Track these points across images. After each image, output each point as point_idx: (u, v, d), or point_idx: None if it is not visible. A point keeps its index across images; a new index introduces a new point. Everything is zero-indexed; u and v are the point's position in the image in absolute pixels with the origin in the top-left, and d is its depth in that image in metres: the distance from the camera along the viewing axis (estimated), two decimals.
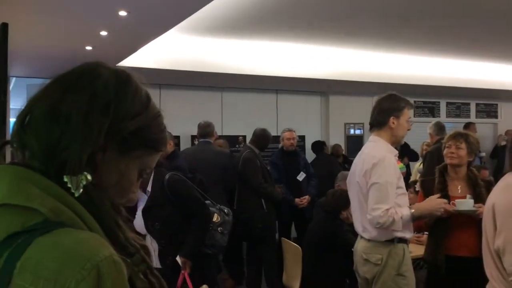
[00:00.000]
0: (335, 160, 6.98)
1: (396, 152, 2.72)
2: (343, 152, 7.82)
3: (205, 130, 4.73)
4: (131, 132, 0.80)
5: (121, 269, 0.69)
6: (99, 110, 0.76)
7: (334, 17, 5.14)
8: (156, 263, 2.95)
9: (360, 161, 2.70)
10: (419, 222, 2.84)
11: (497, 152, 8.35)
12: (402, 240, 2.63)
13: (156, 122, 0.85)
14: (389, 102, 2.71)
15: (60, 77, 0.81)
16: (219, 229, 3.08)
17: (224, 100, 7.55)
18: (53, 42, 4.57)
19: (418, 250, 3.52)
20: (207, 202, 3.10)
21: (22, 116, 0.77)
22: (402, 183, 2.67)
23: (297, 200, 5.10)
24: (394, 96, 2.74)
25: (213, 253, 3.11)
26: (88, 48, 4.74)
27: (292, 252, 3.91)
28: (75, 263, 0.64)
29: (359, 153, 2.79)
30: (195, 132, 5.11)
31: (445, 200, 2.79)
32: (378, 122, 2.71)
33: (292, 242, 4.09)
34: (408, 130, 2.79)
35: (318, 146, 7.08)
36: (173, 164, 3.65)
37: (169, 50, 5.69)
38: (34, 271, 0.63)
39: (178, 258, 2.89)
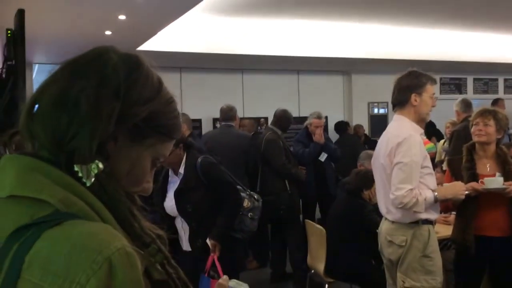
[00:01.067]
0: (358, 141, 6.90)
1: (422, 131, 2.64)
2: (365, 132, 7.71)
3: (228, 114, 4.72)
4: (143, 119, 0.76)
5: (134, 261, 0.66)
6: (109, 96, 0.73)
7: None
8: (186, 246, 2.98)
9: (384, 141, 2.63)
10: (446, 203, 2.77)
11: None
12: (428, 222, 2.56)
13: (169, 108, 0.82)
14: (409, 79, 2.62)
15: (68, 63, 0.78)
16: (249, 214, 3.10)
17: (245, 82, 7.51)
18: (71, 28, 4.58)
19: (445, 231, 3.44)
20: (238, 187, 3.11)
21: (30, 105, 0.75)
22: (428, 163, 2.59)
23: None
24: (415, 72, 2.65)
25: (242, 238, 3.13)
26: (108, 33, 4.75)
27: (316, 234, 3.89)
28: (85, 257, 0.62)
29: (384, 133, 2.72)
30: (216, 115, 5.10)
31: (472, 185, 2.71)
32: (400, 100, 2.64)
33: (316, 224, 4.07)
34: (433, 106, 2.69)
35: (342, 126, 7.00)
36: (195, 148, 3.63)
37: (188, 32, 5.67)
38: (43, 266, 0.61)
39: (208, 241, 2.90)
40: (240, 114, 6.09)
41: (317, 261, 3.84)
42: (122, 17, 4.22)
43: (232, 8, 5.36)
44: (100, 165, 0.71)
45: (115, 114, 0.73)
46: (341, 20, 6.22)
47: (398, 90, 2.65)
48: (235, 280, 0.98)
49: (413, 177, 2.46)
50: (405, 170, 2.45)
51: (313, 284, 4.06)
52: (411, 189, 2.43)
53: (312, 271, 4.01)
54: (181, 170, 2.92)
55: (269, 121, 5.64)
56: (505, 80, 9.19)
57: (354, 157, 5.22)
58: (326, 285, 3.77)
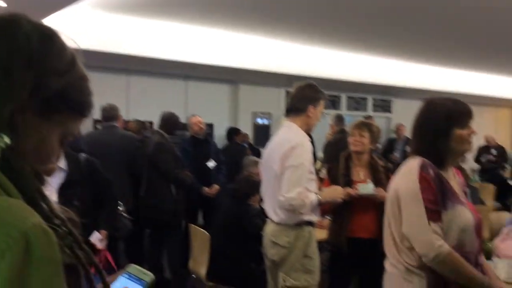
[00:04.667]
0: (244, 148, 7.07)
1: (309, 138, 2.81)
2: (249, 140, 7.94)
3: (110, 113, 4.49)
4: (56, 92, 0.72)
5: (52, 239, 0.62)
6: (21, 64, 0.68)
7: (245, 4, 5.16)
8: None
9: (276, 145, 2.75)
10: (324, 206, 2.96)
11: (391, 144, 9.01)
12: (309, 223, 2.73)
13: (83, 84, 0.79)
14: (310, 91, 2.80)
15: None
16: (123, 213, 3.24)
17: (131, 84, 7.28)
18: None
19: (320, 234, 3.68)
20: None
21: None
22: (313, 169, 2.76)
23: (205, 189, 5.07)
24: (314, 86, 2.84)
25: (119, 236, 3.09)
26: None
27: (200, 238, 3.89)
28: None
29: (274, 138, 2.84)
30: (97, 116, 4.83)
31: (347, 190, 2.97)
32: (297, 108, 2.78)
33: (200, 228, 4.07)
34: (318, 121, 2.89)
35: (233, 133, 7.11)
36: (74, 148, 3.44)
37: (72, 26, 5.33)
38: None
39: (93, 238, 2.83)
40: (124, 117, 5.87)
41: (200, 265, 3.84)
42: (2, 4, 3.89)
43: (119, 6, 5.18)
44: (6, 139, 0.65)
45: (27, 84, 0.68)
46: (231, 30, 6.36)
47: (298, 99, 2.79)
48: (139, 268, 0.95)
49: (302, 181, 2.60)
50: (296, 173, 2.58)
51: None
52: (301, 192, 2.57)
53: (193, 275, 4.00)
54: (61, 164, 2.79)
55: (154, 126, 5.54)
56: (374, 99, 10.14)
57: (240, 163, 5.35)
58: None
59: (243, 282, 3.61)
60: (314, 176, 2.76)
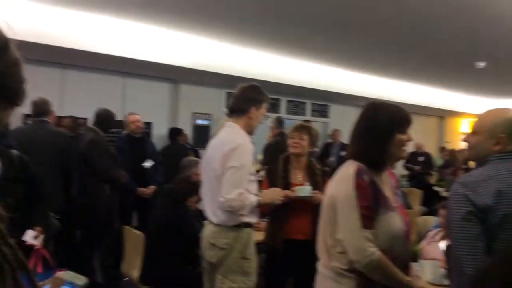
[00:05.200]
0: (187, 149, 6.97)
1: (250, 139, 2.80)
2: (188, 141, 7.84)
3: (41, 107, 4.26)
4: None
5: None
6: None
7: (188, 3, 5.10)
8: None
9: (217, 146, 2.72)
10: (262, 208, 2.97)
11: (327, 149, 9.25)
12: (248, 225, 2.73)
13: (15, 69, 0.73)
14: (254, 93, 2.80)
15: None
16: (50, 213, 3.15)
17: (66, 78, 6.95)
18: None
19: (256, 236, 3.70)
20: None
21: None
22: (253, 171, 2.77)
23: (141, 189, 4.96)
24: (258, 88, 2.84)
25: (49, 237, 2.98)
26: None
27: (134, 240, 3.78)
28: None
29: (216, 138, 2.81)
30: (27, 110, 4.57)
31: (286, 192, 3.01)
32: (240, 109, 2.77)
33: (134, 230, 3.96)
34: (260, 123, 2.90)
35: (176, 133, 6.99)
36: (3, 143, 3.24)
37: (5, 15, 5.01)
38: None
39: (27, 236, 2.72)
40: (58, 112, 5.60)
41: (133, 268, 3.73)
42: None
43: None
44: None
45: None
46: (172, 28, 6.26)
47: (241, 99, 2.78)
48: (71, 273, 0.90)
49: (243, 182, 2.59)
50: (237, 175, 2.57)
51: None
52: (240, 193, 2.55)
53: (126, 278, 3.88)
54: None
55: (89, 123, 5.33)
56: (312, 104, 10.38)
57: (179, 164, 5.26)
58: None
59: (178, 285, 3.55)
60: (254, 178, 2.76)
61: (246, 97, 2.78)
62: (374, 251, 1.82)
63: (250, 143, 2.70)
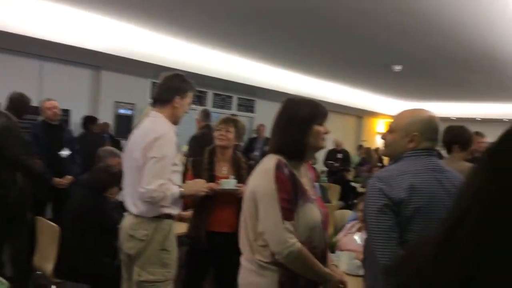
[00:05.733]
0: (102, 138, 6.71)
1: (176, 129, 2.75)
2: (110, 131, 7.56)
3: None
4: None
5: None
6: None
7: None
8: None
9: (140, 135, 2.64)
10: (186, 200, 2.94)
11: (251, 143, 9.36)
12: (169, 216, 2.68)
13: None
14: (178, 82, 2.73)
15: None
16: None
17: None
18: None
19: (179, 228, 3.66)
20: None
21: None
22: (178, 161, 2.72)
23: (57, 179, 4.70)
24: (182, 76, 2.78)
25: None
26: None
27: (48, 232, 3.58)
28: None
29: (139, 127, 2.72)
30: None
31: (210, 185, 3.00)
32: (164, 98, 2.70)
33: (49, 221, 3.75)
34: (186, 113, 2.85)
35: (89, 121, 6.69)
36: None
37: None
38: None
39: None
40: None
41: (46, 261, 3.54)
42: None
43: None
44: None
45: None
46: (95, 11, 5.98)
47: (165, 88, 2.71)
48: None
49: (165, 173, 2.53)
50: (158, 165, 2.51)
51: (38, 286, 3.72)
52: (162, 184, 2.50)
53: (38, 272, 3.67)
54: None
55: (1, 107, 4.95)
56: (239, 98, 10.43)
57: (95, 154, 5.05)
58: (53, 287, 3.50)
59: (94, 278, 3.41)
60: (178, 168, 2.72)
61: (170, 86, 2.72)
62: (294, 242, 1.87)
63: (173, 133, 2.65)
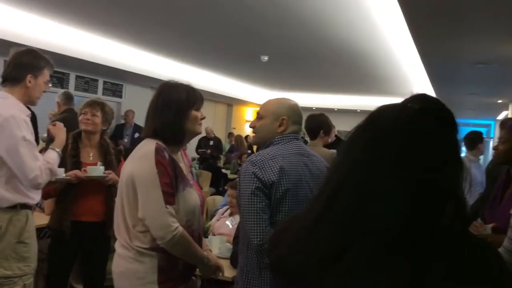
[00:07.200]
0: None
1: (29, 112, 2.50)
2: None
3: None
4: None
5: None
6: None
7: None
8: None
9: None
10: (47, 188, 2.71)
11: (120, 130, 8.98)
12: (26, 206, 2.45)
13: None
14: (29, 58, 2.47)
15: None
16: None
17: None
18: None
19: (41, 220, 3.39)
20: None
21: None
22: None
23: None
24: (35, 52, 2.53)
25: None
26: None
27: None
28: None
29: None
30: None
31: (75, 172, 2.85)
32: (14, 77, 2.43)
33: None
34: (44, 92, 2.61)
35: None
36: None
37: None
38: None
39: None
40: None
41: None
42: None
43: None
44: None
45: None
46: None
47: (14, 66, 2.44)
48: None
49: (31, 153, 2.35)
50: (28, 148, 2.31)
51: None
52: (40, 165, 2.35)
53: None
54: None
55: None
56: (104, 82, 9.88)
57: None
58: None
59: None
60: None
61: (21, 63, 2.46)
62: (177, 227, 1.87)
63: (22, 115, 2.39)
